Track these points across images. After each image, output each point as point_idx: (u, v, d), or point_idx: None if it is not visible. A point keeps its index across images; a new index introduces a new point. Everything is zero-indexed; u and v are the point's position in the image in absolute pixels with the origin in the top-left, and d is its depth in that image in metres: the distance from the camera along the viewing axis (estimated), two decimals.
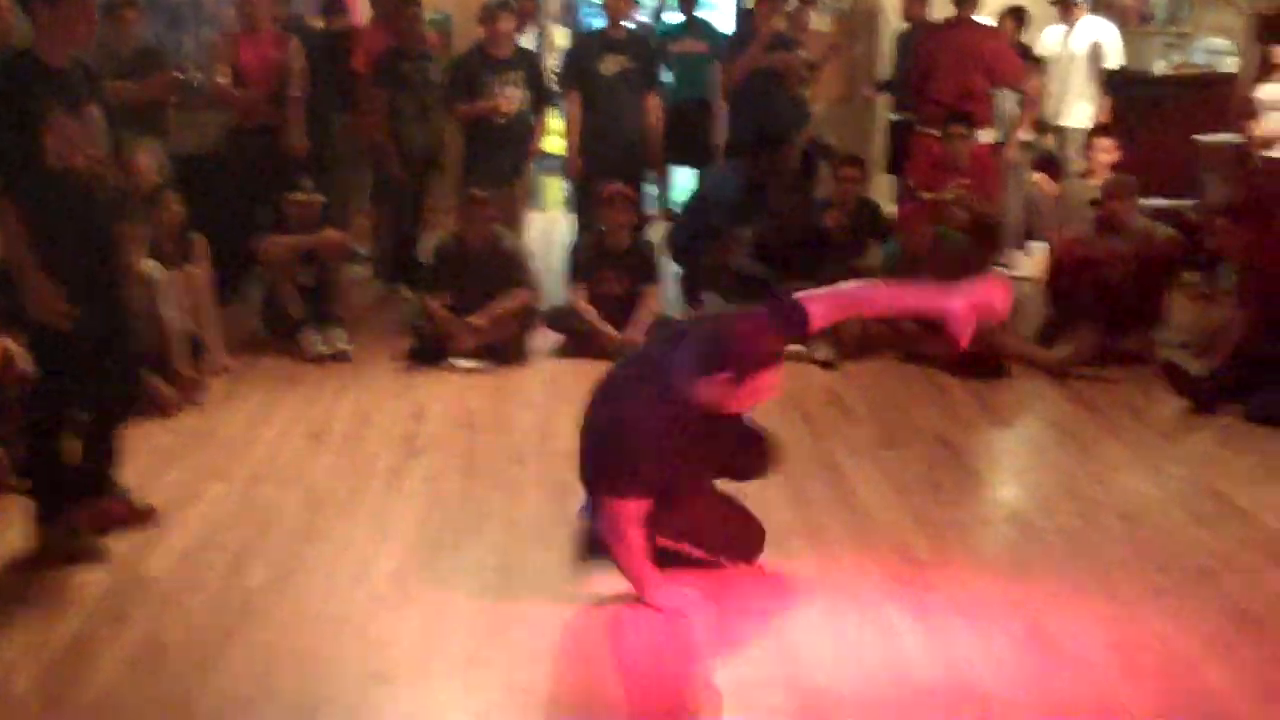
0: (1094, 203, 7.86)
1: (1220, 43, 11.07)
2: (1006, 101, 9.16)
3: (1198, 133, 9.58)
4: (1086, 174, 8.57)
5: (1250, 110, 8.28)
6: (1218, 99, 9.73)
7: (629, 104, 8.52)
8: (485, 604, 4.24)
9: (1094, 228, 7.66)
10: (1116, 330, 7.22)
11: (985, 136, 8.76)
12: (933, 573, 4.49)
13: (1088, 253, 7.54)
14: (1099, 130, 8.84)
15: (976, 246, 7.69)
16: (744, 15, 10.60)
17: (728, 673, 3.82)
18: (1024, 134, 9.24)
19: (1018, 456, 6.14)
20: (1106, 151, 8.54)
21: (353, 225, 8.95)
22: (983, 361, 6.90)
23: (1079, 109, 9.53)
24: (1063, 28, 9.61)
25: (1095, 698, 3.64)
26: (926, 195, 8.16)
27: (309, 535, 4.80)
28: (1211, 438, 6.01)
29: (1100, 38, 9.52)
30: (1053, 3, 9.69)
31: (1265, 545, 4.76)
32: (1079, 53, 9.51)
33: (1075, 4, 9.56)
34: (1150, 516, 5.03)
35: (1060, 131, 9.57)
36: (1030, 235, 9.35)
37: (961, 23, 8.83)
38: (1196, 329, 7.54)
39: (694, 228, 8.49)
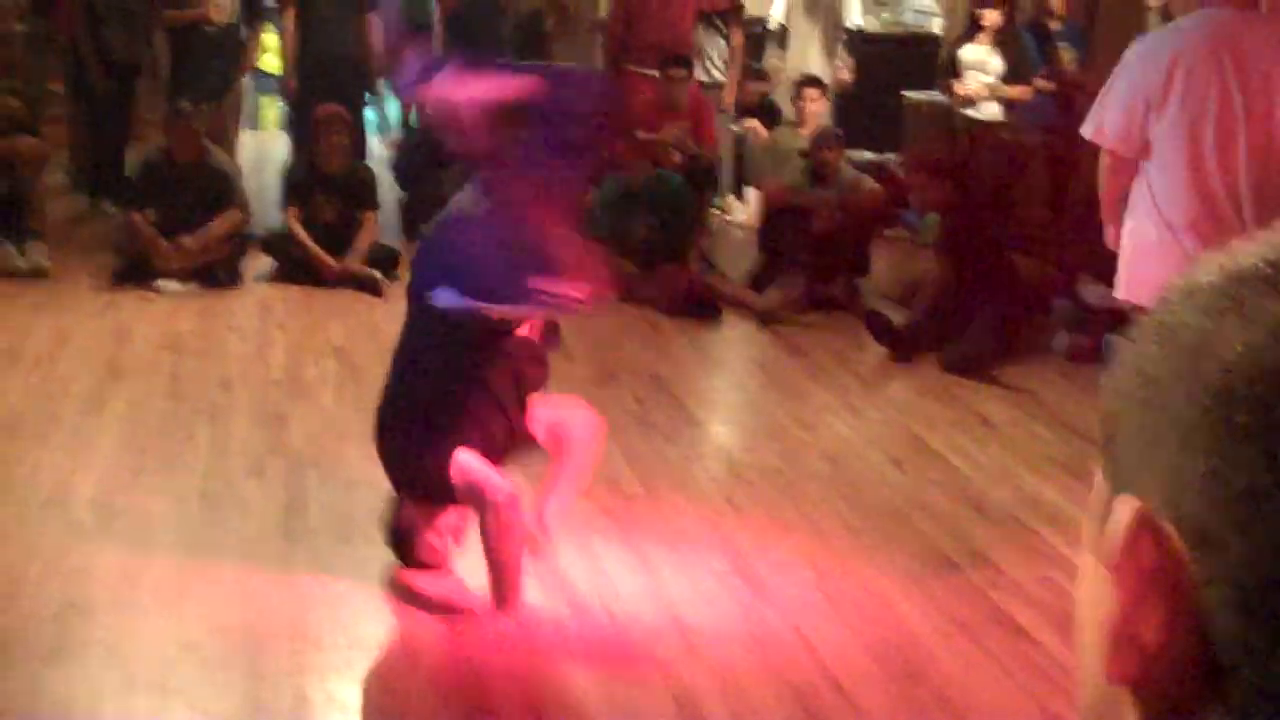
0: (803, 153, 8.07)
1: (928, 3, 11.51)
2: (716, 48, 9.31)
3: (905, 89, 9.93)
4: (797, 124, 8.80)
5: (954, 69, 8.63)
6: (925, 58, 10.11)
7: (347, 24, 8.30)
8: (190, 534, 4.13)
9: (803, 177, 7.88)
10: (823, 278, 7.45)
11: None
12: (642, 507, 4.57)
13: (796, 201, 7.75)
14: (807, 81, 9.08)
15: (692, 188, 7.82)
16: None
17: (439, 604, 3.81)
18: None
19: (727, 397, 6.30)
20: (814, 101, 8.79)
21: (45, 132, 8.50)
22: (695, 304, 7.05)
23: (820, 66, 9.77)
24: None
25: (796, 631, 3.78)
26: (643, 136, 8.23)
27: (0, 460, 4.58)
28: (909, 385, 6.28)
29: None
30: None
31: (956, 488, 5.02)
32: (824, 8, 9.76)
33: None
34: (850, 459, 5.23)
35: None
36: (743, 181, 9.55)
37: None
38: (900, 280, 7.85)
39: (417, 154, 8.40)
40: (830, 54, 9.69)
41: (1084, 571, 0.62)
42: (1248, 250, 0.58)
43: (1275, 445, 0.52)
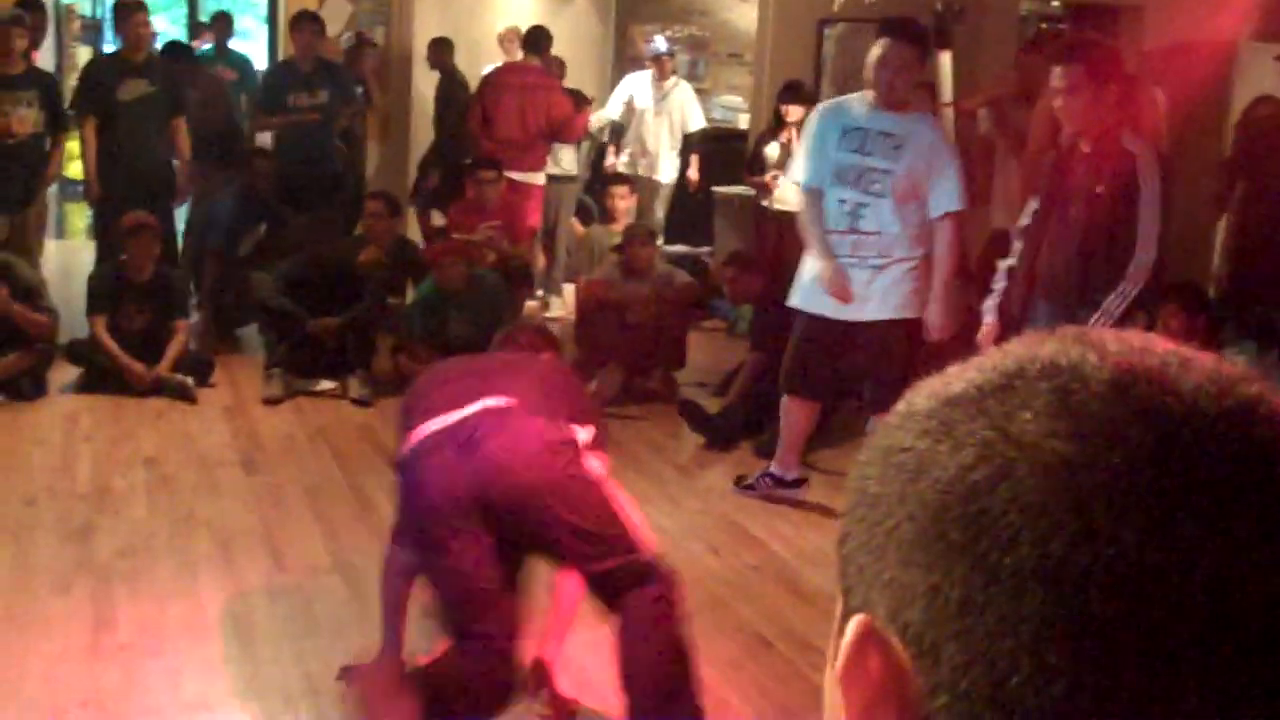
0: (616, 248, 8.19)
1: (735, 100, 11.83)
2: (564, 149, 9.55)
3: (715, 184, 10.16)
4: (608, 219, 8.94)
5: (760, 164, 8.85)
6: (732, 153, 10.36)
7: (151, 130, 8.21)
8: None
9: (617, 271, 7.98)
10: (640, 371, 7.54)
11: (534, 179, 9.07)
12: None
13: (611, 295, 7.84)
14: (614, 179, 9.27)
15: (507, 286, 7.88)
16: (277, 65, 10.34)
17: (257, 719, 3.73)
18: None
19: None
20: (623, 198, 8.96)
21: None
22: None
23: (667, 164, 10.14)
24: (649, 84, 10.24)
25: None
26: (456, 235, 8.29)
27: None
28: (726, 472, 6.35)
29: (686, 99, 10.27)
30: (649, 63, 10.44)
31: (774, 572, 5.09)
32: (671, 111, 10.14)
33: (667, 63, 10.32)
34: (669, 549, 5.26)
35: (651, 184, 10.12)
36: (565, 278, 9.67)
37: (525, 68, 9.15)
38: (716, 369, 7.97)
39: (199, 252, 8.39)
40: (672, 152, 10.10)
41: (826, 688, 0.65)
42: (960, 375, 0.62)
43: (986, 559, 0.55)
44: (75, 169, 9.45)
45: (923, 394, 0.63)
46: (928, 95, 6.99)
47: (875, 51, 5.33)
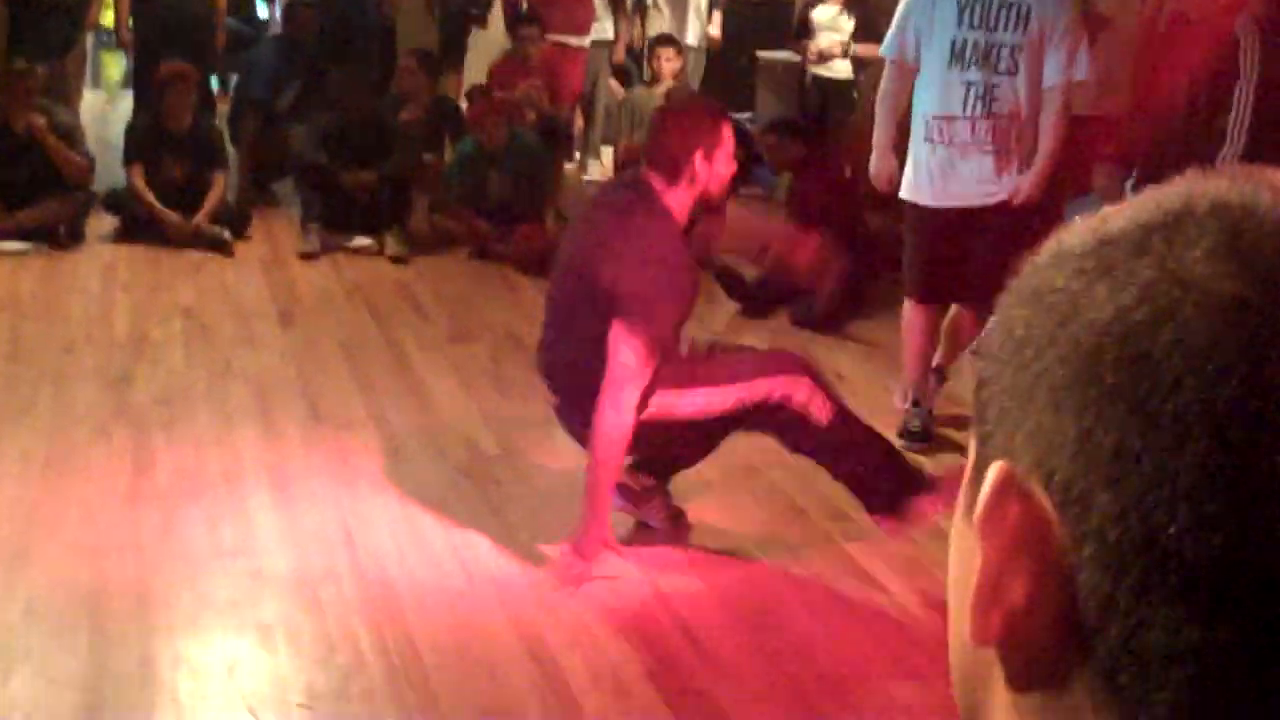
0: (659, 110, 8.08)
1: None
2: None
3: (759, 49, 9.99)
4: (652, 81, 8.81)
5: (807, 29, 8.69)
6: (777, 19, 10.17)
7: None
8: (31, 496, 4.02)
9: None
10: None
11: (582, 41, 8.93)
12: (499, 466, 4.56)
13: None
14: (662, 40, 9.11)
15: (547, 146, 7.80)
16: None
17: (294, 565, 3.77)
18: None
19: None
20: (669, 60, 8.81)
21: None
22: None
23: (694, 25, 9.82)
24: None
25: (651, 583, 3.80)
26: (497, 94, 8.19)
27: None
28: (762, 341, 6.32)
29: None
30: None
31: None
32: None
33: None
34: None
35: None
36: (604, 140, 9.56)
37: None
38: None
39: (239, 104, 8.32)
40: (700, 13, 9.80)
41: (955, 537, 0.62)
42: (1117, 214, 0.59)
43: (1145, 405, 0.52)
44: (109, 17, 9.36)
45: (1076, 233, 0.59)
46: None
47: None
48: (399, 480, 4.35)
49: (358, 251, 7.18)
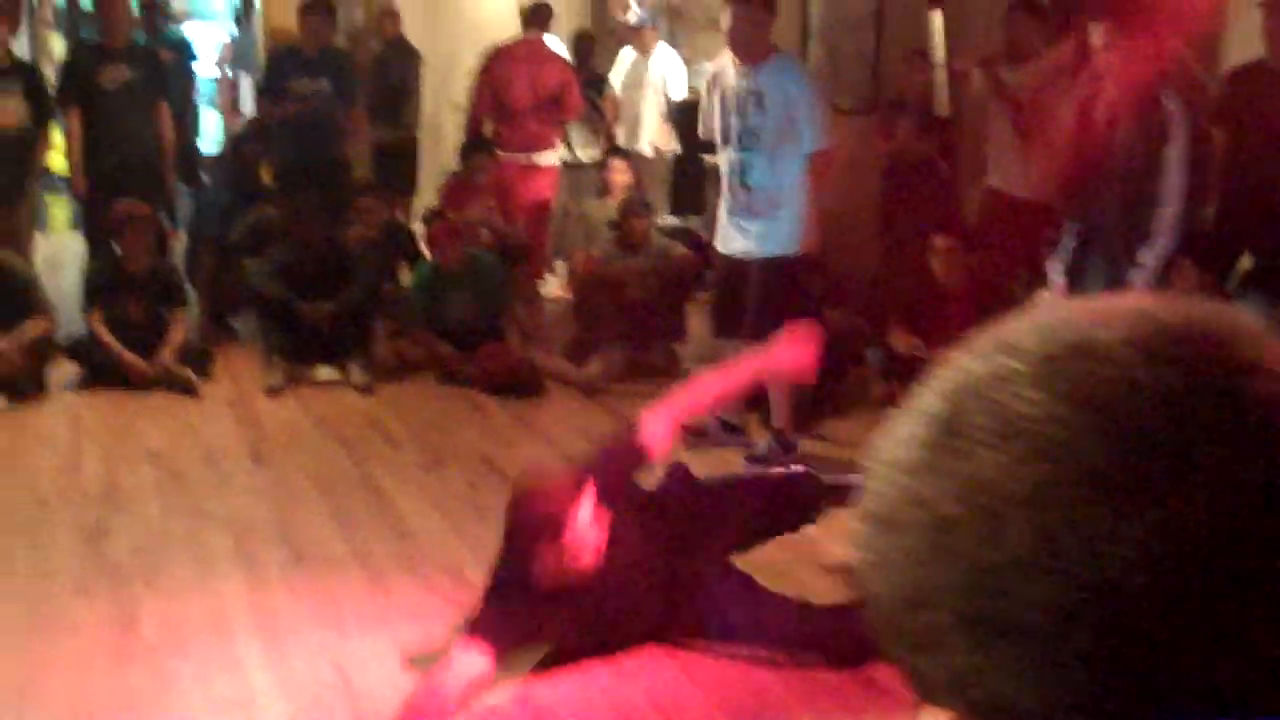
0: (612, 224, 8.15)
1: (713, 66, 11.73)
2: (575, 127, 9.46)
3: (707, 153, 10.10)
4: (604, 194, 8.88)
5: None
6: None
7: (135, 117, 8.12)
8: (17, 661, 3.95)
9: (613, 246, 7.94)
10: (641, 346, 7.51)
11: (548, 159, 8.99)
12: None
13: (608, 271, 7.81)
14: (613, 152, 9.20)
15: (505, 265, 7.84)
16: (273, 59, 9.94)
17: (291, 716, 3.71)
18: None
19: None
20: (621, 172, 8.89)
21: None
22: (518, 380, 7.05)
23: (648, 136, 9.93)
24: (633, 55, 10.05)
25: (658, 707, 3.77)
26: (451, 216, 8.24)
27: None
28: (739, 443, 6.34)
29: (668, 69, 10.07)
30: (626, 33, 10.27)
31: (790, 542, 5.07)
32: (654, 82, 9.97)
33: (649, 33, 10.13)
34: None
35: (639, 158, 9.80)
36: (556, 253, 9.61)
37: (531, 43, 9.00)
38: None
39: (194, 242, 8.34)
40: (650, 122, 9.94)
41: None
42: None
43: None
44: (56, 162, 9.36)
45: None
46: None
47: (723, 21, 5.81)
48: (388, 617, 4.31)
49: (323, 384, 7.16)
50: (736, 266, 5.86)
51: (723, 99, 5.79)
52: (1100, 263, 4.86)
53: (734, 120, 5.73)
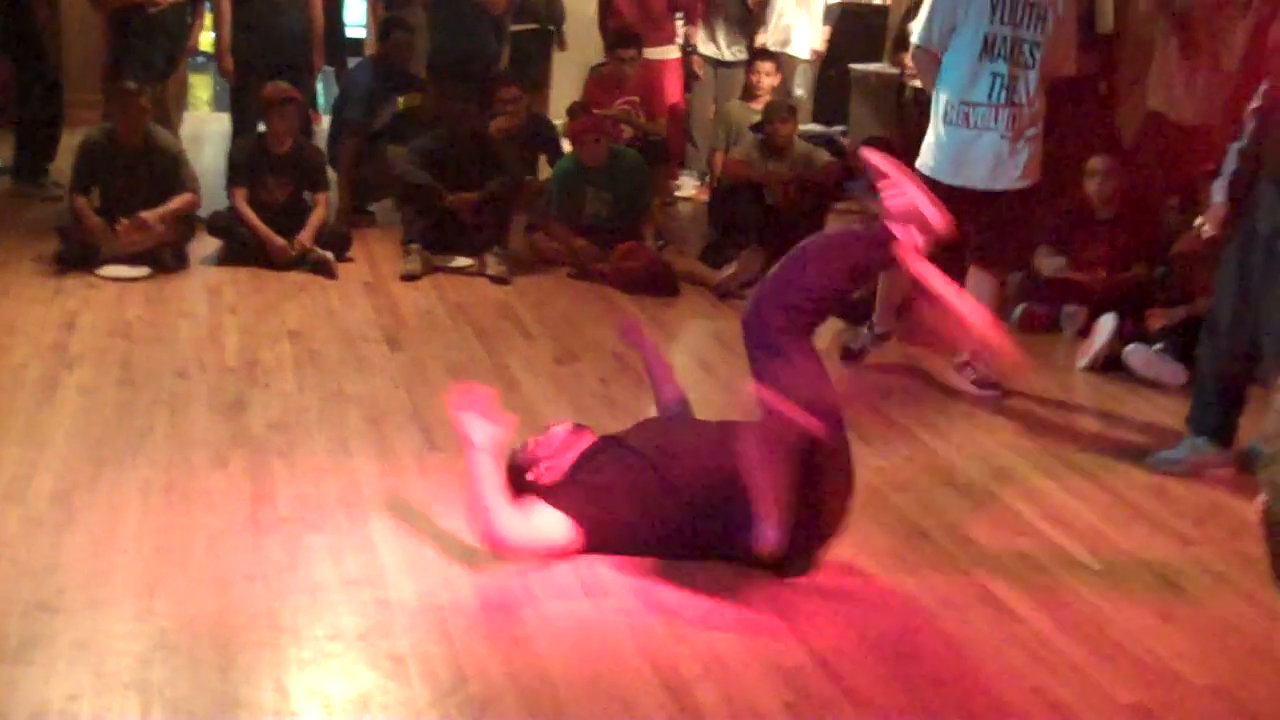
0: (755, 126, 8.04)
1: None
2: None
3: (853, 62, 9.90)
4: (749, 97, 8.75)
5: (904, 42, 8.59)
6: (871, 30, 10.08)
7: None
8: (156, 526, 4.02)
9: (756, 150, 7.84)
10: (778, 251, 7.39)
11: (668, 54, 8.89)
12: None
13: (749, 175, 7.71)
14: (760, 54, 9.04)
15: (645, 163, 7.77)
16: None
17: (420, 595, 3.73)
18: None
19: (688, 372, 6.21)
20: (768, 75, 8.75)
21: None
22: (653, 280, 7.01)
23: (801, 37, 9.67)
24: None
25: (780, 613, 3.74)
26: (595, 111, 8.18)
27: None
28: (870, 357, 6.25)
29: None
30: None
31: (925, 461, 5.00)
32: None
33: None
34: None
35: (788, 60, 9.58)
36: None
37: None
38: None
39: (337, 126, 8.35)
40: (813, 25, 9.67)
41: None
42: None
43: None
44: (205, 41, 9.44)
45: None
46: None
47: None
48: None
49: (459, 272, 7.19)
50: (969, 197, 5.48)
51: (992, 5, 5.45)
52: (1270, 187, 4.66)
53: (1002, 30, 5.45)
